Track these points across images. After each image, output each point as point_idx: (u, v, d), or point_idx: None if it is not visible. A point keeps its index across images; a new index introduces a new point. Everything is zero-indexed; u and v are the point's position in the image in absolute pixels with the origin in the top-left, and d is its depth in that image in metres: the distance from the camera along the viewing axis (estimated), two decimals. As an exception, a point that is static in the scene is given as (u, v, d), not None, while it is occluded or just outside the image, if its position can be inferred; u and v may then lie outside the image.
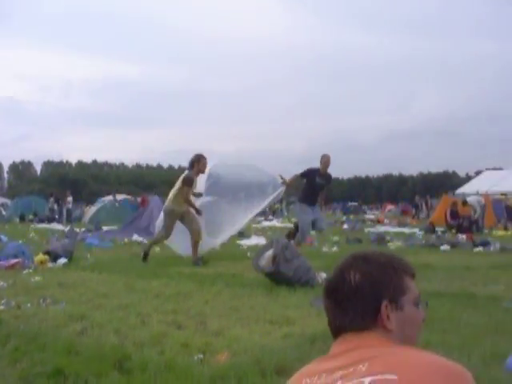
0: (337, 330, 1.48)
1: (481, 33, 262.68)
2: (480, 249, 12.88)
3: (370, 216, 36.26)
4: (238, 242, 15.03)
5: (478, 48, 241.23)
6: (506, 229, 19.78)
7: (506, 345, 4.10)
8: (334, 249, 12.65)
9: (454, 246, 13.52)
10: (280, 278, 6.94)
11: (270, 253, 7.00)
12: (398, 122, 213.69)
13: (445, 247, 13.09)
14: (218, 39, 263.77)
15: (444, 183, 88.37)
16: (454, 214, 20.05)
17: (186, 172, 10.19)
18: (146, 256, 10.21)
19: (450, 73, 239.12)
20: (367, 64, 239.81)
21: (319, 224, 11.12)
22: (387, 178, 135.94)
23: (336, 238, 15.34)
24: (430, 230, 19.42)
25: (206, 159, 10.22)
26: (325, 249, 12.65)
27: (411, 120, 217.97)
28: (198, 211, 10.13)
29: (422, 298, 1.50)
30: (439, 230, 19.58)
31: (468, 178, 75.64)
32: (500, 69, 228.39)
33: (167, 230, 10.17)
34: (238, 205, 11.24)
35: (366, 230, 21.08)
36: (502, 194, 28.19)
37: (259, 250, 7.61)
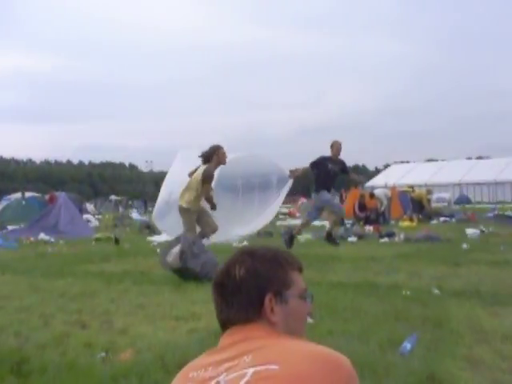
0: (224, 324, 1.51)
1: (389, 32, 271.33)
2: (386, 240, 13.34)
3: (282, 209, 36.70)
4: (149, 238, 14.89)
5: (387, 46, 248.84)
6: (411, 220, 20.48)
7: (402, 331, 4.27)
8: (244, 243, 12.70)
9: (361, 237, 13.94)
10: (187, 273, 6.93)
11: (177, 249, 6.97)
12: (309, 116, 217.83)
13: (352, 239, 13.48)
14: (134, 31, 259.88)
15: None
16: (362, 207, 20.62)
17: (204, 166, 8.91)
18: None
19: (360, 69, 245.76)
20: (280, 59, 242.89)
21: (313, 216, 11.19)
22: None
23: (247, 233, 15.38)
24: (339, 222, 19.86)
25: (224, 149, 9.09)
26: (235, 243, 12.69)
27: (322, 114, 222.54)
28: (214, 206, 9.03)
29: (308, 291, 1.55)
30: (348, 222, 20.06)
31: (377, 172, 78.20)
32: (407, 66, 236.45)
33: (190, 229, 8.85)
34: (236, 194, 10.66)
35: (278, 223, 21.28)
36: (408, 187, 29.21)
37: (166, 246, 7.57)
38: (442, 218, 21.83)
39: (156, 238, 14.47)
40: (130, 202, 62.11)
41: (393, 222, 20.31)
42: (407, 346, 3.86)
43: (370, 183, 50.14)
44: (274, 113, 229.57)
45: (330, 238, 10.54)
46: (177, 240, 7.39)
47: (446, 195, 41.15)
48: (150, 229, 17.65)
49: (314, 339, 3.94)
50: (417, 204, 23.22)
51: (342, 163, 10.87)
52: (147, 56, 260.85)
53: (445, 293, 5.92)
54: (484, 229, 14.81)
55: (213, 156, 8.92)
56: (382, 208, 20.98)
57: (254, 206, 10.74)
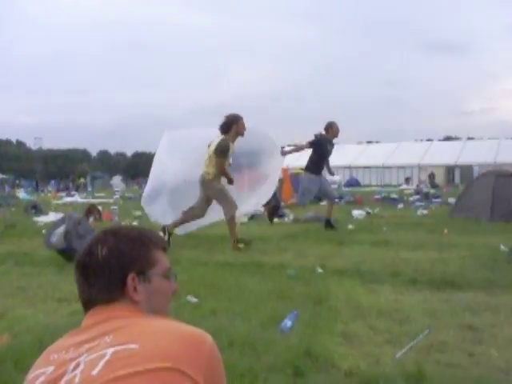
0: (86, 304, 1.50)
1: (292, 17, 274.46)
2: (276, 220, 13.54)
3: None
4: (35, 218, 14.38)
5: (288, 31, 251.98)
6: (301, 201, 20.90)
7: (284, 309, 4.38)
8: (135, 223, 12.55)
9: (252, 217, 14.08)
10: (73, 254, 6.74)
11: (61, 229, 6.78)
12: (206, 96, 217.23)
13: (243, 219, 13.57)
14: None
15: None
16: (255, 188, 20.84)
17: (220, 138, 8.35)
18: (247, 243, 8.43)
19: (260, 51, 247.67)
20: (176, 37, 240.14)
21: (330, 194, 11.30)
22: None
23: (138, 213, 15.21)
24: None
25: (243, 120, 8.54)
26: (124, 223, 12.50)
27: (219, 95, 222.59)
28: (230, 180, 8.48)
29: (172, 271, 1.56)
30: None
31: (271, 153, 79.32)
32: (305, 52, 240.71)
33: (230, 200, 8.44)
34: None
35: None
36: (300, 169, 29.75)
37: (51, 227, 7.35)
38: (331, 200, 22.43)
39: (42, 219, 14.03)
40: (17, 181, 59.77)
41: (283, 204, 20.65)
42: (288, 323, 3.97)
43: (264, 165, 50.66)
44: (170, 92, 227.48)
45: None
46: (62, 220, 7.19)
47: (336, 178, 42.40)
48: (37, 209, 17.10)
49: (197, 318, 3.94)
50: (307, 186, 23.70)
51: (333, 145, 11.07)
52: (40, 28, 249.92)
53: (327, 271, 6.12)
54: (370, 210, 15.39)
55: (232, 126, 8.44)
56: (274, 189, 21.24)
57: (244, 190, 10.15)
